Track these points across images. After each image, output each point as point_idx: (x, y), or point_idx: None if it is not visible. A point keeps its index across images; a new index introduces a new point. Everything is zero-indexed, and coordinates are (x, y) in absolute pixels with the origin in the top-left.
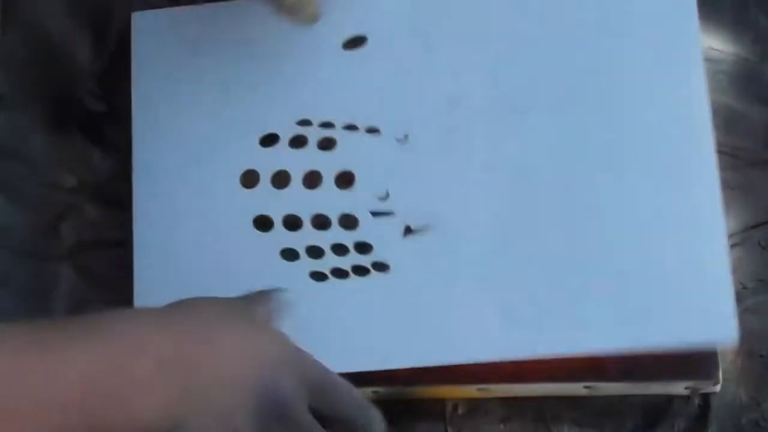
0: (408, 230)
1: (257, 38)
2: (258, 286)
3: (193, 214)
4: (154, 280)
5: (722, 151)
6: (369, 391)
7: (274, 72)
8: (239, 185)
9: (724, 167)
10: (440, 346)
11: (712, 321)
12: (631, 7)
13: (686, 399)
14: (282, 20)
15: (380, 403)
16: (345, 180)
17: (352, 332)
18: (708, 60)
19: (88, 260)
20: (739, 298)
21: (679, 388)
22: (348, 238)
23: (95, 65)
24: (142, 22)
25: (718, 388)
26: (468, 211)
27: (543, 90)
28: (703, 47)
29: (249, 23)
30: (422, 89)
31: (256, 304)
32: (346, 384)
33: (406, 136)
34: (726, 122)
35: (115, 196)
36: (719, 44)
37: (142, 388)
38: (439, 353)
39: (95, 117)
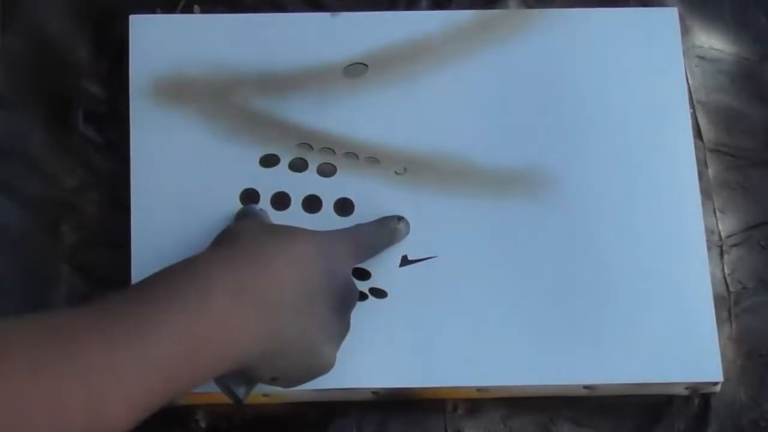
0: (405, 260)
1: (257, 53)
2: None
3: (192, 221)
4: None
5: (722, 151)
6: (368, 391)
7: (273, 89)
8: (239, 202)
9: (724, 167)
10: (432, 370)
11: (699, 360)
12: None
13: (686, 399)
14: (282, 37)
15: (380, 403)
16: (344, 207)
17: (344, 352)
18: (708, 60)
19: (88, 260)
20: (739, 298)
21: (679, 388)
22: None
23: (95, 65)
24: (139, 26)
25: (718, 388)
26: (465, 245)
27: (539, 133)
28: (703, 47)
29: (249, 37)
30: (421, 123)
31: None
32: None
33: (405, 169)
34: (726, 122)
35: (114, 196)
36: (719, 44)
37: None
38: (430, 377)
39: (95, 117)
